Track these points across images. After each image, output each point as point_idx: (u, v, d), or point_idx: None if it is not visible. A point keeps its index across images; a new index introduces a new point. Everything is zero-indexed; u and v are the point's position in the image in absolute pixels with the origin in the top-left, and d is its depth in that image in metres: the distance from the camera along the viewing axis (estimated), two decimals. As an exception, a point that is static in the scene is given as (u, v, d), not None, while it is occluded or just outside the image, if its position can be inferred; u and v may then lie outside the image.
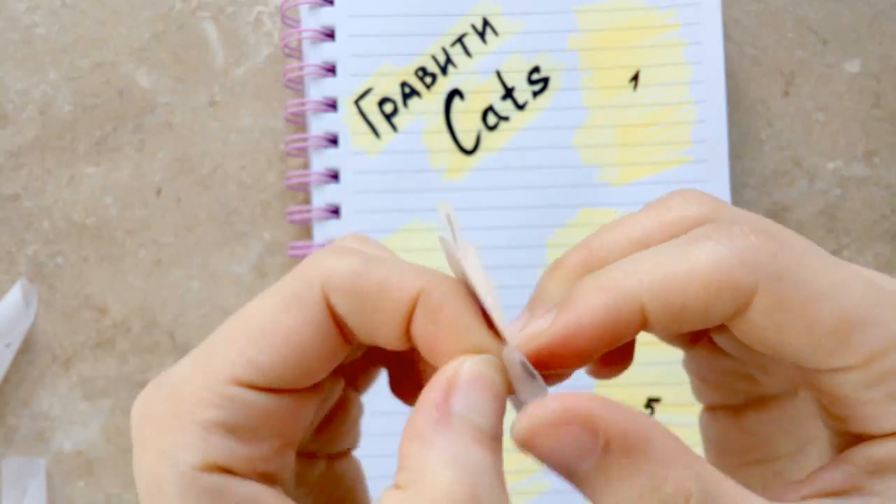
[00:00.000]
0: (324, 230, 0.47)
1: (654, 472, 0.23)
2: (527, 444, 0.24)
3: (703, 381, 0.30)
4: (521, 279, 0.47)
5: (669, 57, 0.47)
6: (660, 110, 0.47)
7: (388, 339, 0.26)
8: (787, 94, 0.51)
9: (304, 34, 0.48)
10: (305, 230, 0.50)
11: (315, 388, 0.26)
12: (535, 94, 0.48)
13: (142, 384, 0.49)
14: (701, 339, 0.29)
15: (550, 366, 0.25)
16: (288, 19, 0.49)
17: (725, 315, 0.24)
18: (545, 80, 0.48)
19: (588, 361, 0.26)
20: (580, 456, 0.23)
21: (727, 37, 0.50)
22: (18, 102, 0.51)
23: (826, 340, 0.24)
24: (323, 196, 0.47)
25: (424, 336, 0.25)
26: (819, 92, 0.51)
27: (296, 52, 0.49)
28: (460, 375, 0.24)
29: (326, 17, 0.48)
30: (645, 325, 0.24)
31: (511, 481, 0.47)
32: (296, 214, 0.48)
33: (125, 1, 0.51)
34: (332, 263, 0.25)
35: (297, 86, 0.49)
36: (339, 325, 0.26)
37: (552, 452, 0.23)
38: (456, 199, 0.47)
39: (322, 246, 0.47)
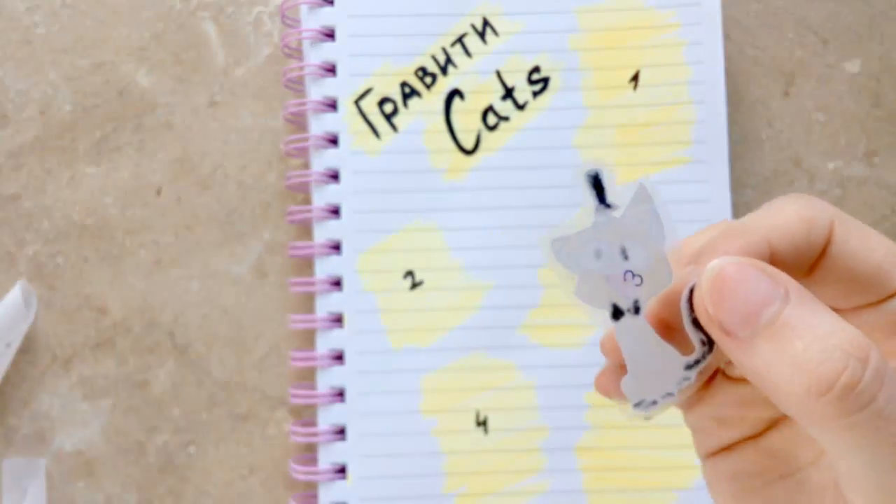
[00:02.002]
0: (324, 230, 0.47)
1: (835, 318, 0.25)
2: (713, 299, 0.26)
3: (721, 424, 0.31)
4: (522, 279, 0.47)
5: (669, 57, 0.47)
6: (660, 110, 0.47)
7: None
8: (787, 94, 0.51)
9: (304, 34, 0.48)
10: (305, 230, 0.50)
11: None
12: (536, 94, 0.48)
13: (142, 384, 0.49)
14: (712, 381, 0.30)
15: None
16: (288, 19, 0.49)
17: (821, 241, 0.27)
18: (545, 80, 0.48)
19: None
20: (768, 302, 0.25)
21: (727, 37, 0.50)
22: (18, 102, 0.51)
23: (885, 262, 0.27)
24: (323, 196, 0.48)
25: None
26: (819, 92, 0.51)
27: (296, 52, 0.49)
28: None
29: (326, 16, 0.48)
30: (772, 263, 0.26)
31: (511, 481, 0.48)
32: (296, 214, 0.48)
33: (125, 1, 0.51)
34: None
35: (297, 86, 0.49)
36: None
37: (739, 303, 0.25)
38: (456, 199, 0.47)
39: (322, 246, 0.47)
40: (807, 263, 0.28)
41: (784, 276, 0.25)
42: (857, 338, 0.24)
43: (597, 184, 0.28)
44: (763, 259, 0.26)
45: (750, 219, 0.28)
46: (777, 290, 0.25)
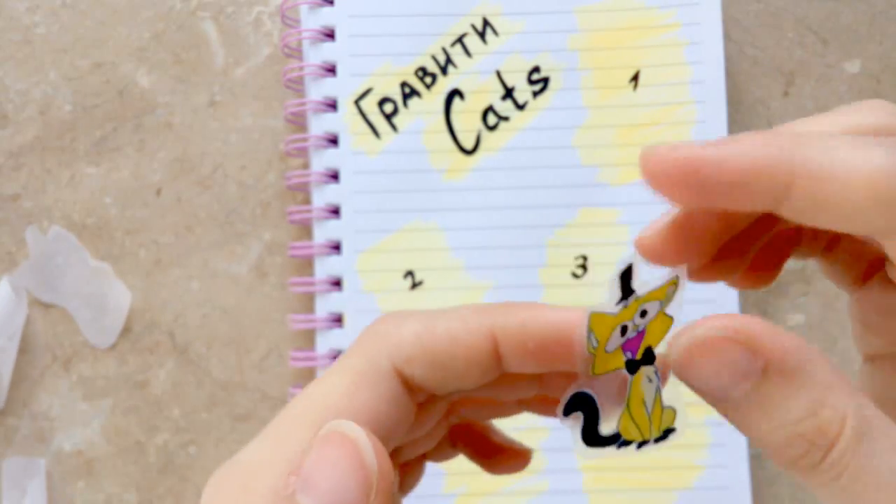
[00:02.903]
0: (324, 230, 0.47)
1: (813, 397, 0.23)
2: (683, 366, 0.24)
3: (869, 328, 0.28)
4: (522, 279, 0.47)
5: (669, 57, 0.47)
6: (660, 110, 0.47)
7: (475, 379, 0.26)
8: (787, 94, 0.51)
9: (304, 34, 0.48)
10: (305, 230, 0.50)
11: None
12: (535, 94, 0.48)
13: (142, 384, 0.49)
14: (871, 277, 0.28)
15: (700, 191, 0.24)
16: (288, 19, 0.49)
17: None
18: (545, 80, 0.48)
19: (704, 216, 0.25)
20: (738, 379, 0.23)
21: (727, 37, 0.50)
22: (18, 102, 0.51)
23: None
24: (323, 196, 0.47)
25: (528, 361, 0.26)
26: (819, 92, 0.51)
27: (296, 52, 0.49)
28: None
29: (326, 17, 0.48)
30: (789, 192, 0.23)
31: (511, 481, 0.47)
32: (296, 214, 0.48)
33: (125, 1, 0.51)
34: (395, 334, 0.26)
35: (297, 86, 0.49)
36: (411, 390, 0.26)
37: (709, 375, 0.24)
38: (456, 199, 0.47)
39: (322, 246, 0.47)
40: (864, 270, 0.27)
41: (770, 345, 0.23)
42: (825, 421, 0.23)
43: (625, 277, 0.27)
44: (775, 181, 0.23)
45: (799, 136, 0.23)
46: (753, 364, 0.23)
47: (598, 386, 0.28)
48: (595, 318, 0.27)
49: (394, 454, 0.28)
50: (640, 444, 0.29)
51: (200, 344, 0.50)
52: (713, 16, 0.47)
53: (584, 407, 0.28)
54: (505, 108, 0.47)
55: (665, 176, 0.24)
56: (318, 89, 0.48)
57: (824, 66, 0.51)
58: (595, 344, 0.28)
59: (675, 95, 0.47)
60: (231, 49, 0.51)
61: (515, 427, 0.46)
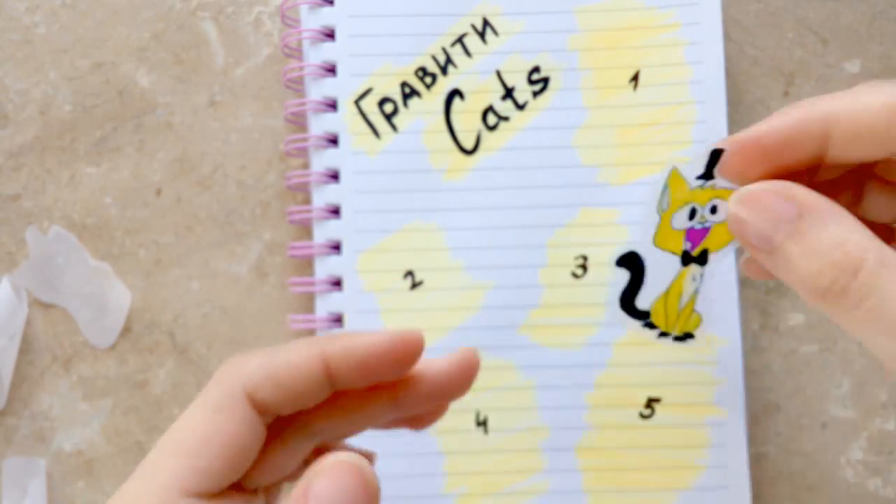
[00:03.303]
0: (324, 230, 0.47)
1: (840, 232, 0.28)
2: (736, 220, 0.30)
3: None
4: (522, 279, 0.47)
5: (669, 57, 0.47)
6: (660, 110, 0.47)
7: (314, 396, 0.31)
8: (787, 94, 0.51)
9: (304, 34, 0.48)
10: (305, 230, 0.50)
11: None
12: (535, 94, 0.48)
13: (142, 384, 0.49)
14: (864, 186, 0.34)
15: (764, 157, 0.31)
16: (288, 19, 0.49)
17: None
18: (545, 80, 0.48)
19: (771, 165, 0.31)
20: (780, 223, 0.29)
21: (727, 37, 0.50)
22: (18, 102, 0.51)
23: None
24: (323, 196, 0.47)
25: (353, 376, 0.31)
26: (819, 92, 0.51)
27: (296, 52, 0.49)
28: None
29: (326, 16, 0.48)
30: (825, 145, 0.30)
31: (511, 482, 0.48)
32: (296, 214, 0.48)
33: (125, 1, 0.51)
34: (245, 368, 0.30)
35: (297, 86, 0.49)
36: (261, 413, 0.30)
37: (757, 220, 0.29)
38: (456, 199, 0.47)
39: (322, 246, 0.47)
40: (883, 149, 0.30)
41: (800, 194, 0.29)
42: (852, 252, 0.28)
43: (713, 159, 0.32)
44: (813, 138, 0.30)
45: (828, 98, 0.30)
46: (791, 209, 0.29)
47: (652, 259, 0.33)
48: (674, 176, 0.32)
49: (248, 475, 0.31)
50: (662, 334, 0.34)
51: (200, 344, 0.50)
52: (713, 16, 0.47)
53: (633, 267, 0.34)
54: (505, 108, 0.47)
55: (739, 157, 0.31)
56: (318, 89, 0.48)
57: (824, 66, 0.51)
58: (666, 206, 0.33)
59: (674, 95, 0.47)
60: (231, 49, 0.51)
61: (516, 427, 0.47)
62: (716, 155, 0.32)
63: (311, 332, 0.48)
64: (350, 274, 0.47)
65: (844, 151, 0.30)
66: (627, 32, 0.47)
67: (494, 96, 0.48)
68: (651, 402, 0.47)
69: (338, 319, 0.47)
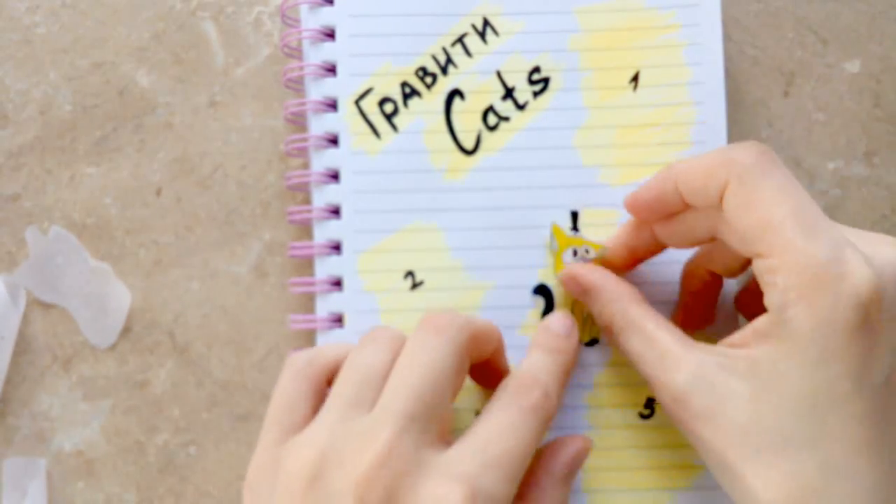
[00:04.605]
0: (324, 230, 0.47)
1: (602, 304, 0.43)
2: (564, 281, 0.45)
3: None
4: (522, 280, 0.47)
5: (669, 58, 0.47)
6: (659, 111, 0.47)
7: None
8: (786, 94, 0.51)
9: (304, 34, 0.48)
10: (305, 230, 0.50)
11: None
12: (536, 94, 0.47)
13: (142, 384, 0.49)
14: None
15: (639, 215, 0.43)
16: (288, 19, 0.49)
17: (717, 194, 0.38)
18: (545, 81, 0.48)
19: (649, 216, 0.43)
20: (578, 296, 0.45)
21: (727, 37, 0.50)
22: (18, 102, 0.51)
23: (752, 231, 0.36)
24: (323, 196, 0.47)
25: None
26: (819, 92, 0.51)
27: (296, 52, 0.49)
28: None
29: (326, 16, 0.48)
30: (684, 199, 0.40)
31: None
32: (296, 214, 0.48)
33: (125, 1, 0.51)
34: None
35: (297, 86, 0.49)
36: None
37: (571, 292, 0.45)
38: (456, 199, 0.47)
39: (322, 246, 0.47)
40: (713, 205, 0.38)
41: (583, 275, 0.45)
42: (610, 317, 0.43)
43: (574, 218, 0.47)
44: (672, 196, 0.40)
45: (679, 163, 0.40)
46: (578, 287, 0.45)
47: (557, 288, 0.47)
48: (556, 229, 0.46)
49: None
50: None
51: (200, 344, 0.50)
52: (713, 17, 0.47)
53: (545, 294, 0.47)
54: (505, 108, 0.47)
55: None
56: (318, 89, 0.48)
57: (824, 67, 0.51)
58: (555, 248, 0.46)
59: (674, 96, 0.47)
60: (231, 49, 0.51)
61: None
62: (575, 215, 0.47)
63: (311, 333, 0.48)
64: (350, 274, 0.47)
65: (692, 199, 0.40)
66: (628, 33, 0.47)
67: (495, 96, 0.47)
68: (650, 402, 0.47)
69: (338, 319, 0.47)
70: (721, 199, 0.37)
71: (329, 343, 0.45)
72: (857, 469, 0.34)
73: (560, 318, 0.44)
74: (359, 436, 0.36)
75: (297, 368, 0.40)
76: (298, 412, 0.39)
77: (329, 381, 0.41)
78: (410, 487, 0.35)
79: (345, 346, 0.41)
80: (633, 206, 0.43)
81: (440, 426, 0.37)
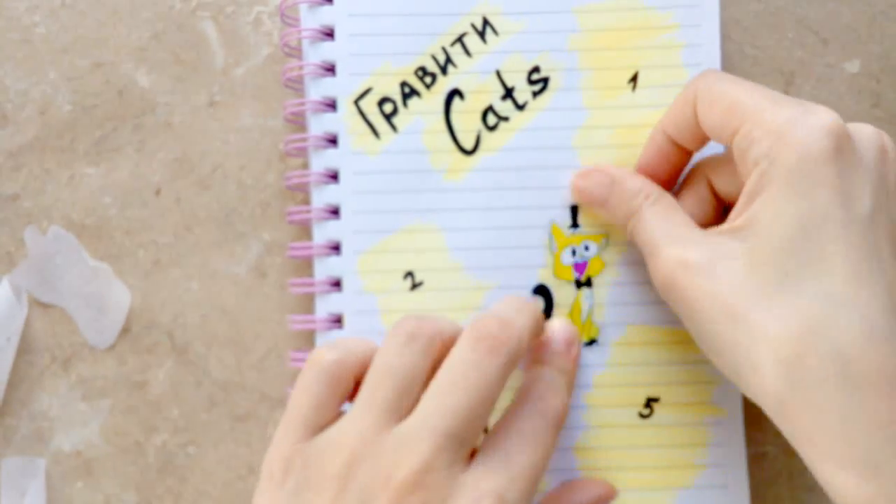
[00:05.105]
0: (324, 231, 0.47)
1: (635, 186, 0.44)
2: (577, 184, 0.47)
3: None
4: (522, 280, 0.47)
5: (668, 58, 0.47)
6: (658, 111, 0.47)
7: None
8: (786, 94, 0.51)
9: (304, 33, 0.48)
10: (305, 230, 0.50)
11: None
12: (535, 94, 0.47)
13: (141, 384, 0.49)
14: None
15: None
16: (287, 18, 0.49)
17: (692, 112, 0.42)
18: (545, 80, 0.48)
19: (660, 173, 0.46)
20: (601, 185, 0.45)
21: (727, 37, 0.50)
22: (18, 102, 0.51)
23: (724, 117, 0.40)
24: (323, 196, 0.47)
25: None
26: (819, 92, 0.51)
27: (295, 52, 0.49)
28: None
29: (326, 16, 0.48)
30: (675, 142, 0.45)
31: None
32: (295, 215, 0.48)
33: (125, 1, 0.51)
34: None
35: (296, 85, 0.49)
36: None
37: (589, 185, 0.46)
38: (456, 199, 0.47)
39: (321, 246, 0.47)
40: (694, 125, 0.42)
41: (612, 171, 0.46)
42: (639, 194, 0.44)
43: (574, 213, 0.47)
44: (667, 146, 0.45)
45: (660, 120, 0.45)
46: (606, 179, 0.46)
47: (556, 288, 0.47)
48: (555, 228, 0.47)
49: None
50: None
51: (200, 344, 0.50)
52: (712, 18, 0.47)
53: (544, 295, 0.47)
54: (505, 108, 0.47)
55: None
56: (318, 89, 0.48)
57: (824, 66, 0.51)
58: (554, 249, 0.47)
59: (672, 97, 0.47)
60: (231, 49, 0.51)
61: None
62: (574, 209, 0.47)
63: (311, 333, 0.48)
64: (350, 274, 0.47)
65: (679, 136, 0.44)
66: (627, 33, 0.47)
67: (494, 96, 0.47)
68: (650, 402, 0.47)
69: (337, 320, 0.47)
70: (696, 116, 0.42)
71: (353, 338, 0.44)
72: (858, 298, 0.35)
73: (563, 328, 0.44)
74: (395, 447, 0.36)
75: (324, 367, 0.40)
76: (326, 412, 0.39)
77: (357, 380, 0.40)
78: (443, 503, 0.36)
79: (372, 344, 0.41)
80: (641, 171, 0.46)
81: (474, 442, 0.38)
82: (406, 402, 0.38)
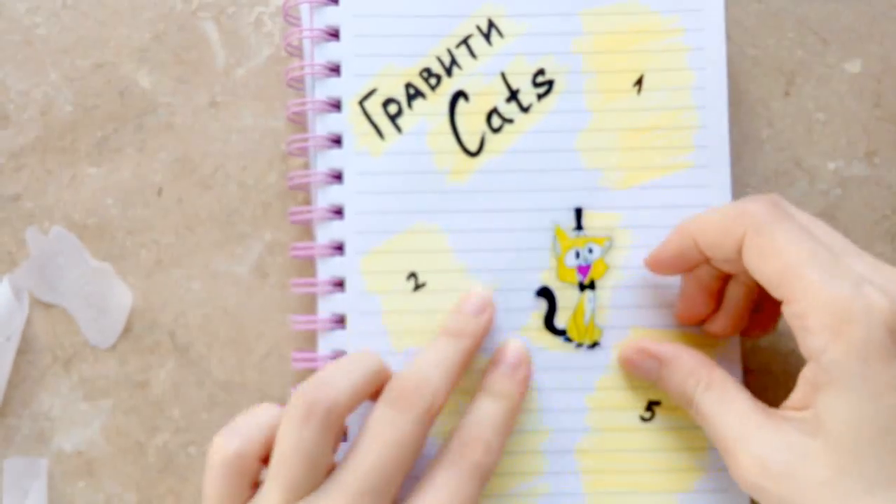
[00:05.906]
0: (327, 231, 0.47)
1: (688, 371, 0.43)
2: (630, 360, 0.46)
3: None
4: (525, 282, 0.47)
5: (673, 62, 0.47)
6: (663, 115, 0.47)
7: None
8: (787, 94, 0.51)
9: (309, 33, 0.48)
10: (306, 231, 0.50)
11: None
12: (540, 96, 0.47)
13: (142, 384, 0.49)
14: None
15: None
16: (290, 17, 0.49)
17: (734, 246, 0.40)
18: (550, 83, 0.47)
19: (674, 272, 0.45)
20: (651, 372, 0.45)
21: (728, 37, 0.50)
22: (19, 103, 0.50)
23: (775, 278, 0.38)
24: (326, 197, 0.47)
25: None
26: (819, 92, 0.51)
27: (298, 52, 0.49)
28: None
29: (331, 16, 0.48)
30: (704, 253, 0.42)
31: (513, 484, 0.48)
32: (298, 215, 0.48)
33: (126, 1, 0.51)
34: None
35: (298, 85, 0.49)
36: None
37: (642, 365, 0.46)
38: (460, 201, 0.47)
39: (324, 247, 0.47)
40: (732, 258, 0.41)
41: (656, 349, 0.45)
42: (693, 377, 0.43)
43: (578, 216, 0.47)
44: (692, 250, 0.42)
45: (695, 219, 0.43)
46: (654, 364, 0.46)
47: (560, 290, 0.47)
48: (559, 230, 0.47)
49: None
50: (577, 345, 0.47)
51: (201, 344, 0.50)
52: (717, 21, 0.47)
53: (548, 297, 0.47)
54: (509, 110, 0.47)
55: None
56: (322, 89, 0.48)
57: (824, 66, 0.51)
58: (559, 252, 0.47)
59: (677, 100, 0.47)
60: (232, 49, 0.51)
61: (517, 429, 0.47)
62: (578, 212, 0.47)
63: (313, 333, 0.48)
64: (352, 275, 0.47)
65: (711, 253, 0.42)
66: (631, 36, 0.47)
67: (499, 98, 0.47)
68: (651, 405, 0.47)
69: (340, 321, 0.47)
70: (739, 251, 0.39)
71: (248, 413, 0.42)
72: None
73: (513, 351, 0.46)
74: None
75: (226, 460, 0.40)
76: (237, 499, 0.40)
77: (263, 457, 0.40)
78: None
79: (269, 419, 0.41)
80: (655, 264, 0.45)
81: (393, 495, 0.39)
82: (314, 477, 0.39)
